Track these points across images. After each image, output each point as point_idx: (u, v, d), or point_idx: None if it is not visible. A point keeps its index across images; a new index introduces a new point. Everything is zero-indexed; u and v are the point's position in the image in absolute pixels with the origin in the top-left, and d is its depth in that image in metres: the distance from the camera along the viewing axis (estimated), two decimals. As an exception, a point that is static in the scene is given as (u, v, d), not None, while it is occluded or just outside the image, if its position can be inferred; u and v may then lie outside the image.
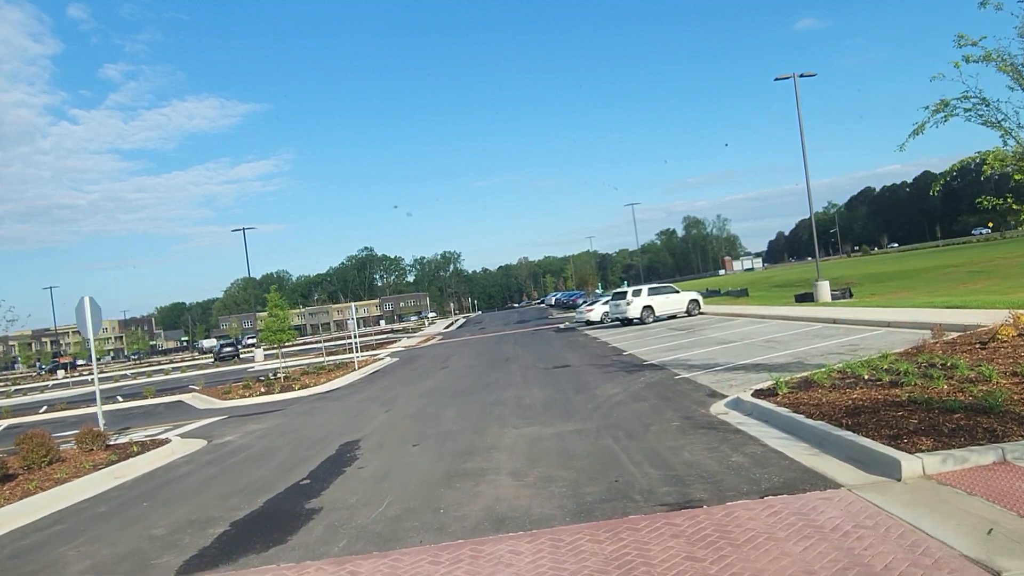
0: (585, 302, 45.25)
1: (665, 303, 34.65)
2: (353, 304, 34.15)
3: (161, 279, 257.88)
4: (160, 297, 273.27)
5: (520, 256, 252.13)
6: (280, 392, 23.79)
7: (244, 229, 52.58)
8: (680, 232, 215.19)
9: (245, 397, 23.75)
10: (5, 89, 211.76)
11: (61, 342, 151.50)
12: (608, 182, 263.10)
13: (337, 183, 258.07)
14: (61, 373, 71.58)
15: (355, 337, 33.42)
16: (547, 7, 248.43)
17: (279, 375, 28.82)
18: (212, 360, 63.48)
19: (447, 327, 69.59)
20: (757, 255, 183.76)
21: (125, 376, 54.73)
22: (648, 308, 34.14)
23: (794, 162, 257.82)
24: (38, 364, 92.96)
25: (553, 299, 78.95)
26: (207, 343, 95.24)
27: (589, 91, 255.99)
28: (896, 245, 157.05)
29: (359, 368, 30.22)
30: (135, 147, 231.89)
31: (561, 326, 45.06)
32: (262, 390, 24.50)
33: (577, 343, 29.39)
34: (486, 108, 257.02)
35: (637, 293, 34.59)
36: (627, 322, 35.19)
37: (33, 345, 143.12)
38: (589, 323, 40.53)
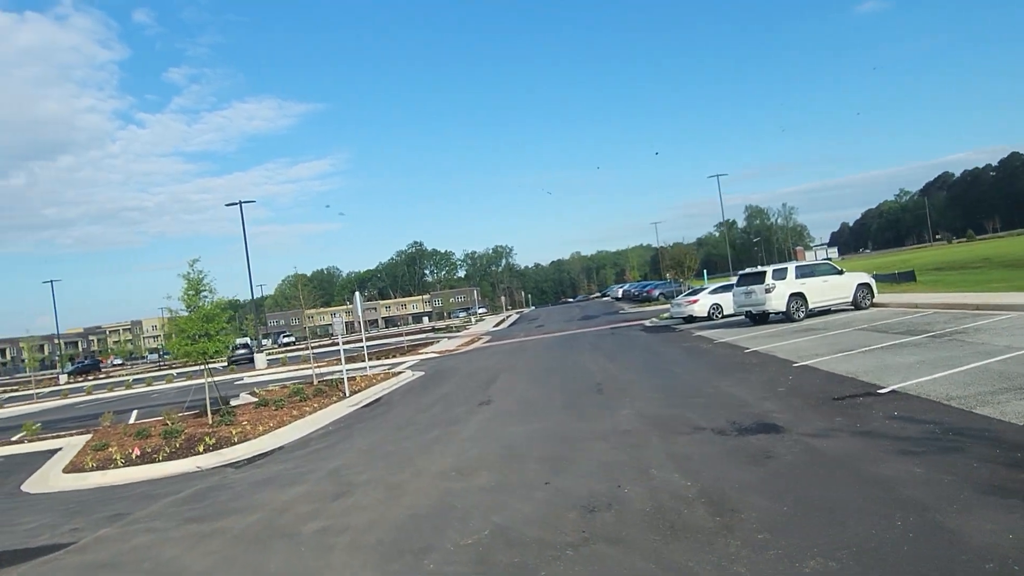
0: (684, 293, 32.64)
1: (822, 290, 21.98)
2: (358, 301, 22.33)
3: (220, 277, 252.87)
4: (220, 293, 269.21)
5: (573, 251, 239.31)
6: (165, 459, 12.22)
7: (240, 203, 41.97)
8: (741, 223, 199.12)
9: (102, 469, 12.24)
10: (76, 95, 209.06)
11: (108, 340, 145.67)
12: (659, 175, 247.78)
13: (390, 179, 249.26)
14: (63, 378, 62.54)
15: (341, 343, 21.72)
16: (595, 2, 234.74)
17: (221, 408, 17.32)
18: (225, 363, 52.99)
19: (497, 325, 57.89)
20: (831, 246, 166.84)
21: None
22: (798, 297, 21.55)
23: (851, 152, 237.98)
24: (59, 364, 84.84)
25: (620, 291, 66.56)
26: (239, 341, 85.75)
27: (641, 83, 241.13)
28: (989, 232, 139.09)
29: (350, 396, 18.51)
30: (198, 149, 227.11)
31: (647, 323, 32.66)
32: (136, 453, 12.90)
33: (710, 354, 17.13)
34: (537, 103, 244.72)
35: (781, 275, 21.98)
36: (761, 318, 22.69)
37: (80, 343, 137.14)
38: (692, 319, 28.12)
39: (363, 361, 32.37)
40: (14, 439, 19.49)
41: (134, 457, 12.56)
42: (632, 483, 6.75)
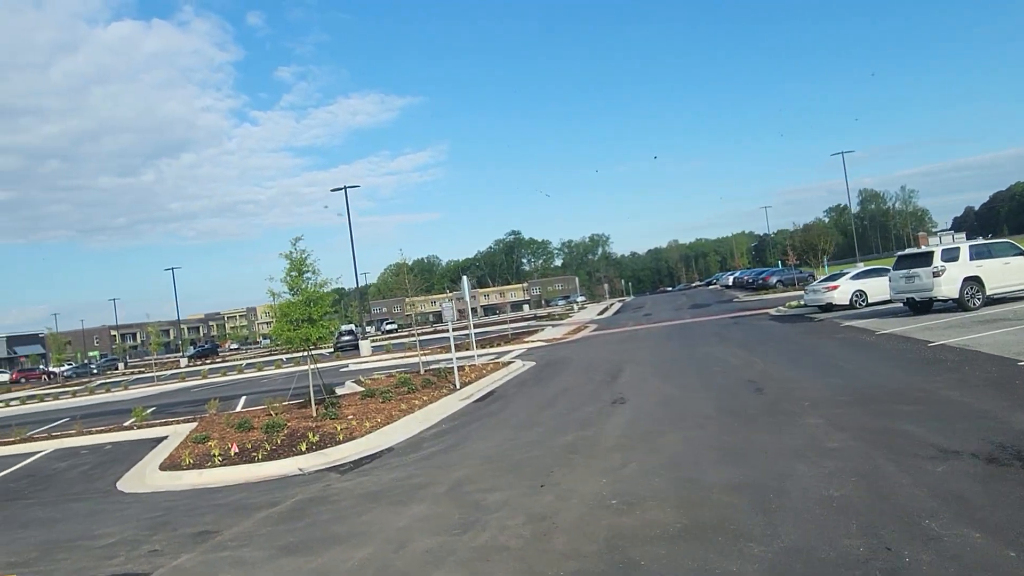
0: (821, 279, 29.23)
1: (1003, 273, 18.48)
2: (466, 286, 20.63)
3: (326, 267, 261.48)
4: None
5: (670, 239, 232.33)
6: (264, 458, 10.79)
7: (345, 188, 41.48)
8: (854, 208, 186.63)
9: (199, 467, 10.97)
10: (197, 96, 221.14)
11: (226, 325, 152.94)
12: (760, 161, 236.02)
13: (487, 169, 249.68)
14: (183, 361, 65.13)
15: (451, 331, 19.98)
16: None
17: (329, 400, 16.02)
18: (331, 350, 53.25)
19: (600, 313, 55.48)
20: (957, 231, 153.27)
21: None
22: (973, 282, 18.18)
23: (972, 132, 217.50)
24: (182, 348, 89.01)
25: (730, 279, 62.52)
26: (344, 327, 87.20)
27: (739, 67, 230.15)
28: None
29: (460, 388, 16.84)
30: (306, 144, 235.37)
31: (773, 312, 29.49)
32: (234, 450, 11.54)
33: (877, 347, 14.32)
34: (632, 91, 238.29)
35: (951, 255, 18.62)
36: (923, 306, 19.41)
37: (201, 328, 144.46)
38: (831, 307, 24.90)
39: (469, 349, 30.93)
40: (126, 424, 19.04)
41: (232, 454, 11.25)
42: (907, 543, 4.48)
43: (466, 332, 36.49)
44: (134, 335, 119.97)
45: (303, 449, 11.02)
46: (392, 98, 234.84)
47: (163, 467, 11.26)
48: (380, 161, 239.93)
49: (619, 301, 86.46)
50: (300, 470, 10.24)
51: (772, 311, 30.09)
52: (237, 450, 11.36)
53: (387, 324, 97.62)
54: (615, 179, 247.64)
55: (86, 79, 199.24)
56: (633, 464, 7.58)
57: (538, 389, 15.60)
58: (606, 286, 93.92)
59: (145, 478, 11.06)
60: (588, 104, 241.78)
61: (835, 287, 25.06)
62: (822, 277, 28.18)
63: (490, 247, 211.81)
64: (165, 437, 16.30)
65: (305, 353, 15.31)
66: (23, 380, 69.95)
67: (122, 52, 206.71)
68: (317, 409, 14.68)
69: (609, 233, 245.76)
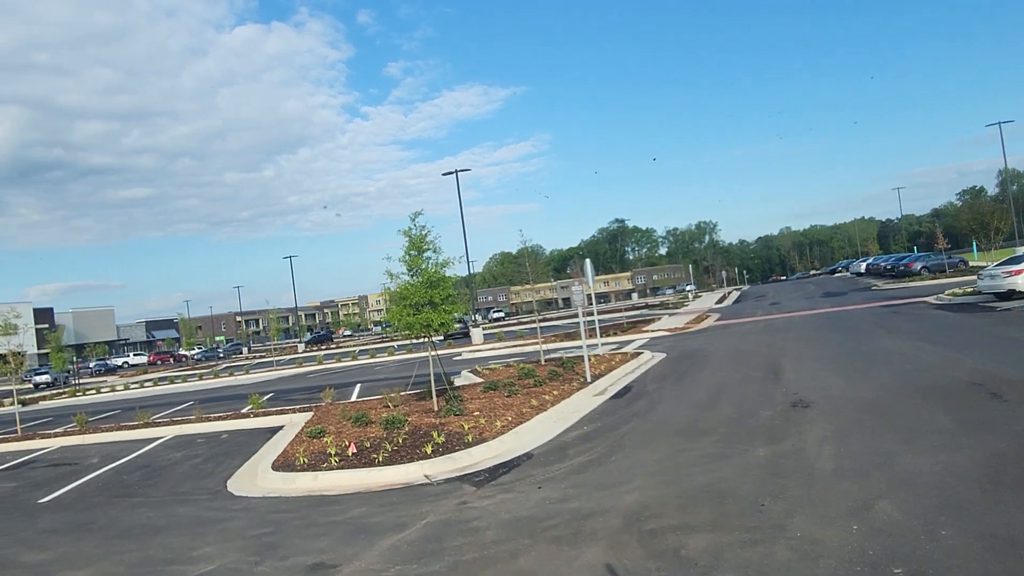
0: (1000, 262, 25.21)
1: None
2: (589, 270, 18.60)
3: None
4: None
5: (781, 226, 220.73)
6: (385, 461, 9.26)
7: (456, 172, 40.29)
8: (992, 189, 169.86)
9: (314, 468, 9.60)
10: (312, 93, 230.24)
11: (340, 313, 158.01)
12: (876, 145, 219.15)
13: (590, 158, 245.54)
14: (301, 347, 66.64)
15: (582, 315, 17.92)
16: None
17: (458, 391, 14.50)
18: (440, 338, 52.73)
19: (718, 302, 51.99)
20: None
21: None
22: None
23: None
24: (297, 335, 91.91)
25: (863, 266, 57.10)
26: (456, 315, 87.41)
27: (859, 47, 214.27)
28: None
29: (591, 382, 14.90)
30: (413, 137, 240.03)
31: (933, 300, 25.69)
32: (352, 450, 10.09)
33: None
34: (739, 75, 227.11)
35: None
36: None
37: (316, 316, 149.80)
38: (1013, 294, 21.16)
39: (588, 338, 29.01)
40: (243, 411, 18.39)
41: (350, 454, 9.83)
42: None
43: (586, 320, 34.60)
44: (256, 321, 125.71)
45: (428, 452, 9.43)
46: (495, 89, 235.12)
47: (276, 466, 9.99)
48: (483, 152, 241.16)
49: (735, 290, 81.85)
50: (426, 478, 8.64)
51: (930, 299, 26.27)
52: (355, 450, 9.93)
53: (494, 312, 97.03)
54: (723, 165, 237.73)
55: (214, 81, 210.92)
56: (885, 502, 5.41)
57: (685, 385, 13.43)
58: (724, 273, 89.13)
59: (257, 478, 9.83)
60: (691, 90, 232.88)
61: (1018, 272, 21.27)
62: (1001, 260, 24.17)
63: (593, 236, 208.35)
64: (280, 427, 15.34)
65: (422, 340, 13.80)
66: (159, 362, 74.04)
67: (245, 55, 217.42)
68: (438, 402, 13.16)
69: (716, 220, 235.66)
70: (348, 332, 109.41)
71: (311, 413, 15.81)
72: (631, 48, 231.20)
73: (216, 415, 17.90)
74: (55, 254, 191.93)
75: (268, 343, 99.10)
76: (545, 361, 20.10)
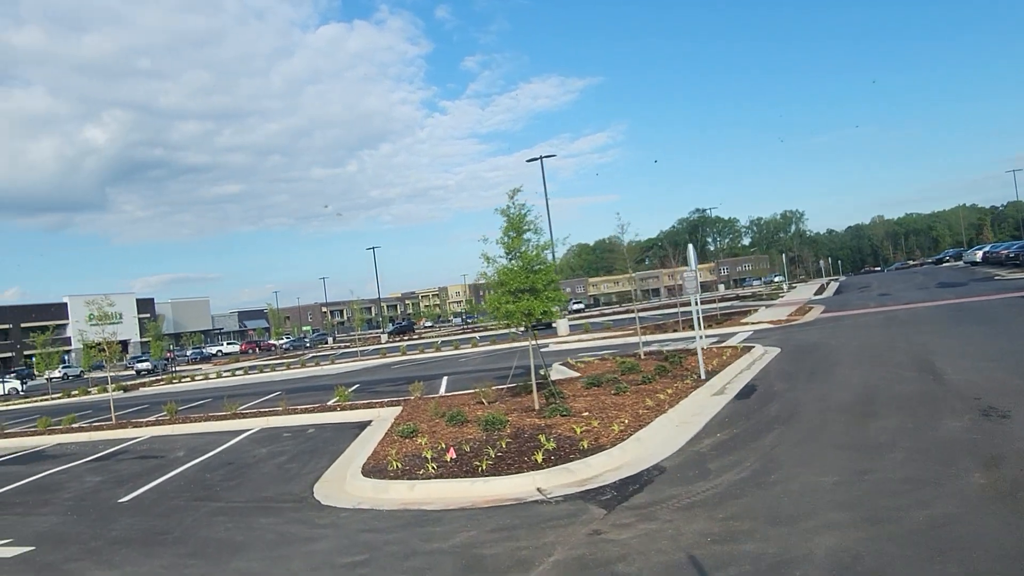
0: None
1: None
2: (692, 256, 16.70)
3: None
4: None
5: (873, 215, 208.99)
6: (488, 471, 7.90)
7: (541, 158, 38.76)
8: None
9: (409, 476, 8.36)
10: (392, 90, 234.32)
11: (421, 304, 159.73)
12: (979, 128, 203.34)
13: (668, 148, 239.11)
14: (384, 337, 66.86)
15: (695, 303, 16.04)
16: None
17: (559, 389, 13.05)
18: (522, 329, 51.53)
19: (817, 293, 48.63)
20: None
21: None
22: None
23: None
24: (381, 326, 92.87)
25: (978, 254, 52.30)
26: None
27: (952, 30, 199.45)
28: None
29: (706, 379, 13.14)
30: (490, 130, 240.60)
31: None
32: (451, 455, 8.79)
33: None
34: (823, 58, 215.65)
35: None
36: None
37: (398, 307, 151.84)
38: None
39: (684, 331, 27.14)
40: (329, 403, 17.60)
41: (448, 460, 8.57)
42: None
43: (685, 310, 32.64)
44: (341, 312, 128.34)
45: (538, 460, 8.05)
46: (572, 80, 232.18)
47: (367, 471, 8.84)
48: (560, 144, 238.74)
49: (832, 280, 77.24)
50: (540, 493, 7.26)
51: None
52: (454, 455, 8.66)
53: (574, 304, 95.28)
54: (809, 152, 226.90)
55: (300, 80, 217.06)
56: None
57: (822, 385, 11.56)
58: (820, 263, 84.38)
59: (346, 484, 8.70)
60: (772, 75, 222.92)
61: None
62: None
63: (673, 226, 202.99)
64: (368, 422, 14.35)
65: (522, 329, 12.44)
66: (250, 351, 76.14)
67: (329, 53, 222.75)
68: (539, 400, 11.78)
69: (804, 209, 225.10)
70: (429, 323, 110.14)
71: (400, 408, 14.76)
72: (709, 35, 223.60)
73: (303, 407, 17.16)
74: (157, 248, 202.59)
75: (352, 333, 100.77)
76: (645, 355, 18.45)
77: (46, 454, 15.86)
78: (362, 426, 13.87)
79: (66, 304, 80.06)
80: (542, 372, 13.47)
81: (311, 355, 52.69)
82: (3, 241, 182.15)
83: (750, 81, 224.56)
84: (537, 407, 11.54)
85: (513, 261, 11.59)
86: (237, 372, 40.44)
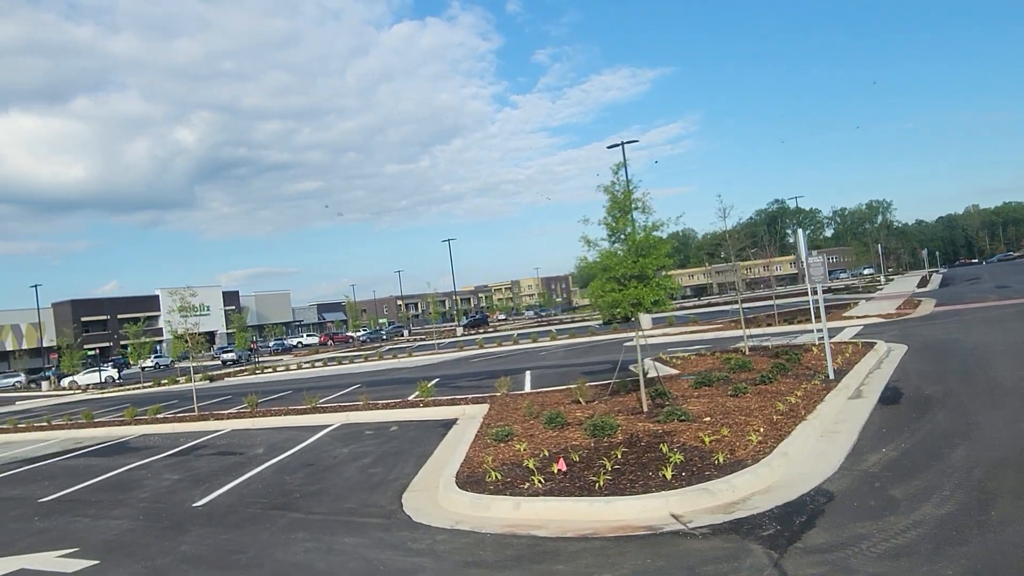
0: None
1: None
2: (802, 240, 14.89)
3: (580, 241, 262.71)
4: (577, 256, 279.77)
5: (968, 204, 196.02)
6: (607, 487, 6.55)
7: (623, 144, 36.91)
8: None
9: (512, 491, 7.12)
10: (464, 85, 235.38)
11: (493, 297, 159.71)
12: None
13: (743, 138, 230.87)
14: (459, 330, 66.31)
15: (820, 293, 14.29)
16: None
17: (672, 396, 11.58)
18: (600, 323, 49.93)
19: (920, 286, 44.99)
20: None
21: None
22: None
23: None
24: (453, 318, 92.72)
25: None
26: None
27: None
28: None
29: (835, 379, 11.36)
30: (560, 123, 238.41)
31: None
32: (561, 468, 7.50)
33: None
34: (912, 39, 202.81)
35: None
36: None
37: (471, 300, 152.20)
38: None
39: (779, 324, 25.20)
40: (410, 398, 16.67)
41: (556, 472, 7.29)
42: None
43: (769, 303, 30.45)
44: (415, 304, 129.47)
45: (667, 477, 6.66)
46: (644, 71, 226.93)
47: (462, 481, 7.66)
48: (631, 135, 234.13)
49: (933, 272, 72.18)
50: (677, 520, 5.89)
51: None
52: (564, 467, 7.37)
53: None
54: (895, 138, 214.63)
55: (374, 78, 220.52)
56: None
57: (984, 389, 9.70)
58: (924, 252, 78.93)
59: (439, 497, 7.55)
60: (854, 60, 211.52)
61: None
62: None
63: (751, 218, 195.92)
64: (454, 421, 13.27)
65: (626, 319, 11.05)
66: (328, 343, 77.25)
67: (402, 51, 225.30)
68: (648, 401, 10.35)
69: (891, 199, 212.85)
70: (502, 316, 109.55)
71: (486, 405, 13.60)
72: (787, 21, 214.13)
73: (383, 402, 16.27)
74: (241, 243, 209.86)
75: (427, 326, 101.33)
76: (749, 351, 16.70)
77: (129, 446, 15.52)
78: (448, 425, 12.79)
79: (158, 296, 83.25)
80: (640, 369, 12.01)
81: (387, 347, 52.61)
82: (103, 237, 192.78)
83: (832, 67, 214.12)
84: (645, 409, 10.13)
85: (617, 244, 10.21)
86: (316, 363, 40.51)
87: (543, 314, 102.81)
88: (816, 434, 8.22)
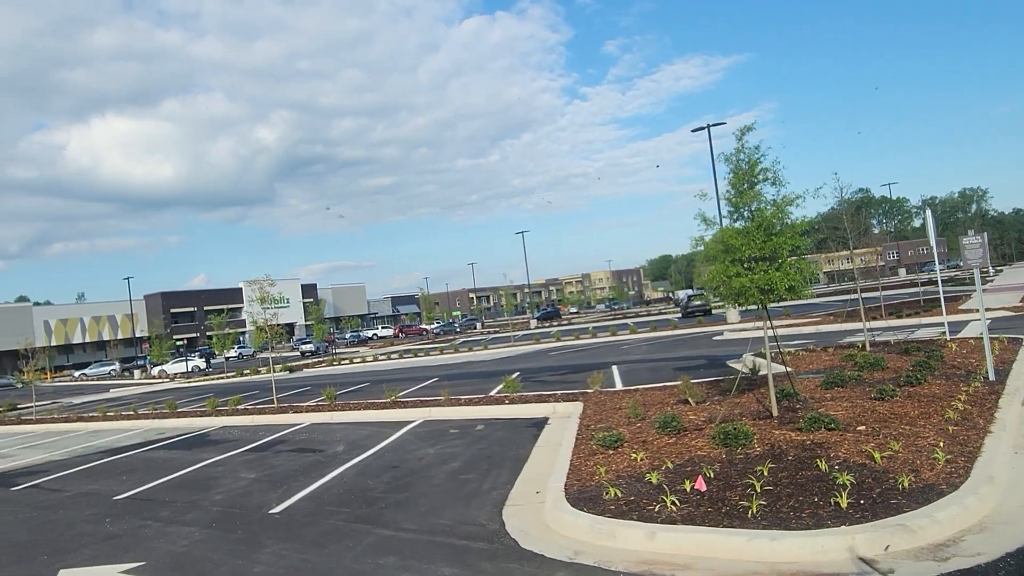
0: None
1: None
2: (930, 221, 12.95)
3: (651, 234, 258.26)
4: (651, 250, 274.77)
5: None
6: (761, 516, 5.18)
7: (708, 126, 34.61)
8: None
9: (640, 514, 5.84)
10: (534, 79, 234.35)
11: (566, 290, 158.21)
12: None
13: (823, 125, 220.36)
14: (533, 323, 65.21)
15: (978, 278, 12.47)
16: None
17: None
18: (680, 315, 47.84)
19: (1034, 276, 41.05)
20: None
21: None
22: None
23: None
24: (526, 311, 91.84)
25: None
26: (682, 294, 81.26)
27: None
28: None
29: (995, 380, 9.53)
30: (630, 115, 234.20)
31: None
32: (699, 487, 6.13)
33: None
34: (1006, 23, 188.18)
35: None
36: None
37: (542, 293, 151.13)
38: None
39: (885, 318, 22.99)
40: (493, 393, 15.61)
41: (691, 492, 5.97)
42: None
43: (888, 294, 27.95)
44: (487, 297, 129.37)
45: (841, 504, 5.25)
46: (716, 59, 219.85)
47: (573, 497, 6.44)
48: (703, 125, 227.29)
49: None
50: (868, 566, 4.49)
51: None
52: (703, 487, 6.04)
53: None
54: (993, 122, 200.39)
55: (445, 74, 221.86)
56: None
57: None
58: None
59: (547, 515, 6.36)
60: (943, 43, 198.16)
61: None
62: None
63: (832, 208, 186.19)
64: (545, 420, 12.09)
65: (752, 307, 9.55)
66: (402, 335, 77.62)
67: (472, 46, 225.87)
68: (777, 404, 8.86)
69: (987, 187, 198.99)
70: (574, 309, 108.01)
71: (579, 404, 12.35)
72: (868, 2, 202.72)
73: (466, 397, 15.26)
74: (318, 238, 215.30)
75: (499, 318, 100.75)
76: (871, 346, 14.83)
77: (209, 438, 15.05)
78: (538, 425, 11.62)
79: (241, 289, 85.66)
80: (768, 367, 10.52)
81: (462, 340, 52.03)
82: (191, 233, 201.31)
83: (917, 51, 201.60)
84: (776, 413, 8.66)
85: (741, 222, 8.74)
86: (392, 355, 40.20)
87: (615, 307, 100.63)
88: (1010, 450, 6.61)
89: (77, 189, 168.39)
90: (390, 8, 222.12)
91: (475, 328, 76.54)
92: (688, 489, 6.07)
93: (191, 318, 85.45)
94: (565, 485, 6.92)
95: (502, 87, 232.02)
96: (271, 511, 7.82)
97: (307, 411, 16.74)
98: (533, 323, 63.17)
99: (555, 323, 65.29)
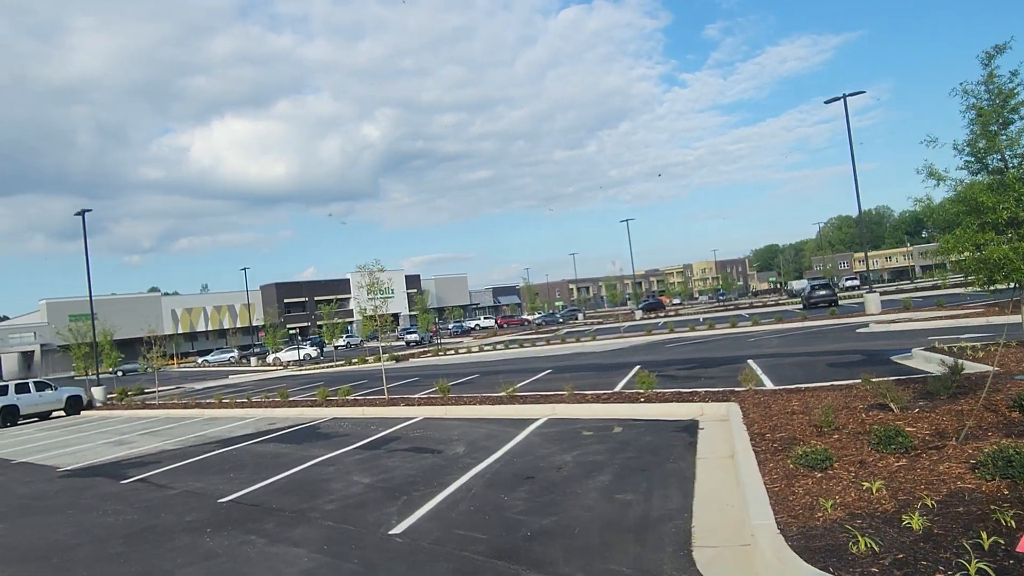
0: None
1: None
2: None
3: (755, 223, 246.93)
4: (755, 240, 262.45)
5: None
6: None
7: (844, 96, 30.68)
8: None
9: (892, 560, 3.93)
10: (631, 66, 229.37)
11: (667, 281, 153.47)
12: None
13: (944, 106, 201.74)
14: (638, 313, 62.51)
15: None
16: None
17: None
18: (801, 306, 44.04)
19: None
20: None
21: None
22: None
23: None
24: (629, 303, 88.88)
25: None
26: (797, 284, 75.92)
27: None
28: None
29: None
30: (732, 100, 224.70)
31: None
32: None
33: None
34: None
35: None
36: None
37: (642, 284, 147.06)
38: None
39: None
40: (620, 388, 13.82)
41: (1000, 551, 4.01)
42: None
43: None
44: (587, 288, 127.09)
45: None
46: (826, 37, 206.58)
47: (798, 544, 4.59)
48: (810, 109, 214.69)
49: None
50: None
51: None
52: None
53: (847, 280, 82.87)
54: None
55: (542, 66, 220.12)
56: None
57: None
58: None
59: (762, 568, 4.56)
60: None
61: None
62: None
63: (951, 195, 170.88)
64: (694, 423, 10.20)
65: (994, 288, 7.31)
66: (504, 325, 76.84)
67: (569, 36, 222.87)
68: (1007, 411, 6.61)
69: None
70: (676, 300, 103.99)
71: (732, 405, 10.37)
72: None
73: (591, 393, 13.54)
74: (419, 231, 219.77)
75: (599, 309, 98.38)
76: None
77: (319, 431, 14.11)
78: (688, 429, 9.77)
79: (348, 280, 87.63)
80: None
81: (566, 331, 50.36)
82: (302, 227, 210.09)
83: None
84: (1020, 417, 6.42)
85: (991, 176, 6.54)
86: (497, 346, 39.07)
87: (722, 298, 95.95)
88: None
89: (200, 187, 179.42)
90: (489, 2, 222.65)
91: (576, 319, 74.62)
92: (987, 547, 4.09)
93: (302, 308, 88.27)
94: (778, 522, 5.07)
95: (600, 76, 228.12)
96: (391, 532, 6.42)
97: (419, 404, 15.57)
98: (638, 314, 60.56)
99: (660, 314, 62.41)
